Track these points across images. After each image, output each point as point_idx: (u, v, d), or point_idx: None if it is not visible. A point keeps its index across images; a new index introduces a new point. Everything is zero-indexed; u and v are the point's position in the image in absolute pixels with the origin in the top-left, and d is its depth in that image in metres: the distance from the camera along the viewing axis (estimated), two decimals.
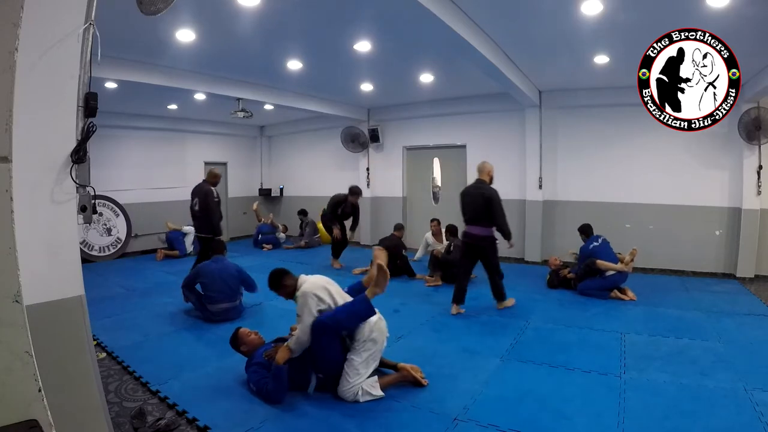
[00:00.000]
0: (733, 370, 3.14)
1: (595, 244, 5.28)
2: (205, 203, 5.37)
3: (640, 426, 2.47)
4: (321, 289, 2.89)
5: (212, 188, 5.47)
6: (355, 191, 6.90)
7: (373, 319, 2.86)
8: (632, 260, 5.05)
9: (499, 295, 4.81)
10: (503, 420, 2.55)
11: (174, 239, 8.17)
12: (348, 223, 7.14)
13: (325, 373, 2.86)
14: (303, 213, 9.42)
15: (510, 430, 2.46)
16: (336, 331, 2.81)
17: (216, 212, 5.41)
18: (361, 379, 2.79)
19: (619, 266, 5.01)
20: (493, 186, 4.65)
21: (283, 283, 3.00)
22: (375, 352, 2.87)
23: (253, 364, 2.97)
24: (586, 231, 5.54)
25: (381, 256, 2.89)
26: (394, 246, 6.33)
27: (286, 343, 2.88)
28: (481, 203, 4.50)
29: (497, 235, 4.63)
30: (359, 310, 2.81)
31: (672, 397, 2.80)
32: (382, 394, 2.82)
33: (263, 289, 4.63)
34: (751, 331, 3.96)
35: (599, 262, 5.04)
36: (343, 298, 2.98)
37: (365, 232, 9.24)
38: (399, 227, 6.80)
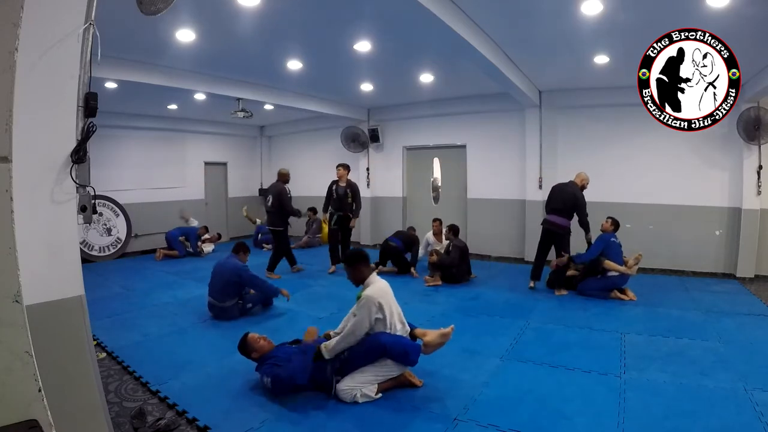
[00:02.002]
0: (733, 370, 3.14)
1: (614, 239, 5.23)
2: (279, 199, 6.18)
3: (640, 426, 2.47)
4: (384, 297, 2.94)
5: (285, 186, 6.30)
6: (339, 165, 6.65)
7: None
8: (636, 264, 5.05)
9: (559, 282, 5.38)
10: (503, 420, 2.55)
11: (172, 239, 8.17)
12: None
13: (345, 373, 2.86)
14: (313, 211, 9.35)
15: (510, 430, 2.46)
16: (383, 354, 2.83)
17: (289, 206, 6.26)
18: (363, 385, 2.80)
19: (623, 269, 5.02)
20: (578, 192, 5.38)
21: (359, 267, 3.03)
22: (391, 375, 2.92)
23: (266, 364, 2.94)
24: (615, 223, 5.43)
25: (450, 334, 2.98)
26: (413, 239, 6.69)
27: (323, 345, 2.87)
28: (571, 200, 5.29)
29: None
30: (411, 360, 2.89)
31: (672, 397, 2.80)
32: (380, 396, 2.83)
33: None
34: (751, 331, 3.97)
35: (607, 262, 5.04)
36: (398, 314, 3.02)
37: (365, 232, 9.24)
38: (413, 228, 7.32)
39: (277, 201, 6.19)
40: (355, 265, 3.04)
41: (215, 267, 4.62)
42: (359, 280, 3.03)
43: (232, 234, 10.28)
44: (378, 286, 2.97)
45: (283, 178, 6.39)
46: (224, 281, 4.44)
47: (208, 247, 8.48)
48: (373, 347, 2.82)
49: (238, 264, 4.59)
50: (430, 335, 2.98)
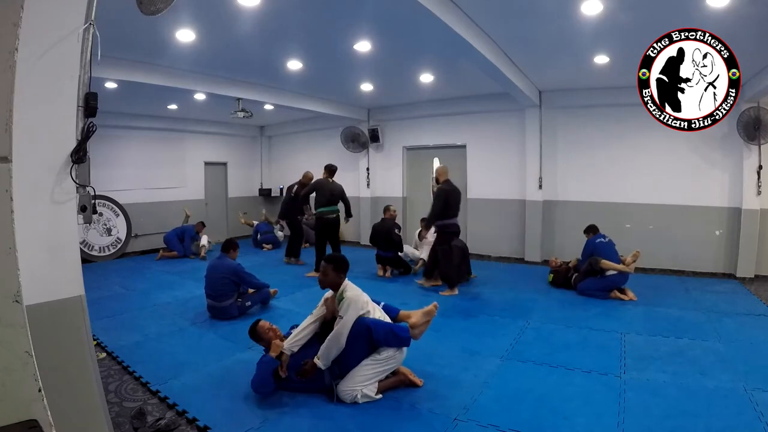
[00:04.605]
0: (733, 370, 3.14)
1: (602, 239, 5.28)
2: (287, 195, 7.33)
3: (640, 426, 2.47)
4: (365, 295, 2.97)
5: (295, 185, 7.21)
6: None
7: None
8: (634, 261, 5.05)
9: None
10: (503, 420, 2.55)
11: (170, 240, 8.15)
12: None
13: (344, 374, 2.86)
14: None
15: (510, 430, 2.46)
16: (372, 340, 2.83)
17: (285, 202, 7.27)
18: (364, 385, 2.80)
19: (621, 267, 5.01)
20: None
21: (341, 273, 2.99)
22: (389, 369, 2.92)
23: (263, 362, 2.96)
24: (592, 230, 5.57)
25: (433, 311, 3.04)
26: (391, 235, 6.31)
27: (316, 359, 2.85)
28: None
29: None
30: (401, 338, 2.88)
31: (672, 397, 2.80)
32: (381, 396, 2.83)
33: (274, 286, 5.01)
34: (751, 331, 3.96)
35: (603, 261, 5.04)
36: (379, 311, 3.03)
37: (365, 232, 9.22)
38: (387, 208, 6.69)
39: (287, 196, 7.38)
40: (339, 270, 2.99)
41: (209, 269, 4.64)
42: (336, 285, 2.99)
43: (231, 234, 10.25)
44: (353, 286, 2.99)
45: (302, 180, 7.15)
46: (221, 282, 4.46)
47: (204, 242, 8.23)
48: (357, 331, 2.80)
49: (232, 263, 4.63)
50: (415, 316, 3.02)
